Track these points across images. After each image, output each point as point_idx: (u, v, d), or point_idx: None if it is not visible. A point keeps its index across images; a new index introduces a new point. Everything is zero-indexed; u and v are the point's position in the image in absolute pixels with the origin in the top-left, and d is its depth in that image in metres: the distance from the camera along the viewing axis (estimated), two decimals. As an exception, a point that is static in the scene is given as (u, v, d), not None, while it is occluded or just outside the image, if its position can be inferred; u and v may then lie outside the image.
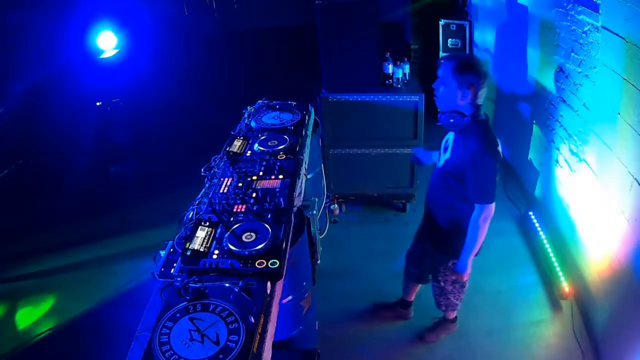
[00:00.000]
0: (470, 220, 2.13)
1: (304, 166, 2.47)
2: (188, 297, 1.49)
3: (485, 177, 2.03)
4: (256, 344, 1.39)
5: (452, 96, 2.04)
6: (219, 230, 1.83)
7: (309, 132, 2.73)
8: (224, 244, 1.74)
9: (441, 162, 2.27)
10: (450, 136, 2.21)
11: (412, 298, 2.94)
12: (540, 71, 3.60)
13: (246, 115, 2.89)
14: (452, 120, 2.05)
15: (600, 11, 2.55)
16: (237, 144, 2.45)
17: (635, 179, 2.22)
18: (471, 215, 2.15)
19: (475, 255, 2.25)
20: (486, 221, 2.12)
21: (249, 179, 2.19)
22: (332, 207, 3.93)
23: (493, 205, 2.10)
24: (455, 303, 2.59)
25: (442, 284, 2.47)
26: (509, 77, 4.32)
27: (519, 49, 4.02)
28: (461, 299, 2.60)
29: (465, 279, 2.35)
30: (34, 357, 2.84)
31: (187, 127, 5.36)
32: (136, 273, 3.04)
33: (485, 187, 2.06)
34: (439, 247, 2.40)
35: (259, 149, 2.41)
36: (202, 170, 2.26)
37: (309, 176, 2.54)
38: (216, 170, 2.18)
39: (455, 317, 2.82)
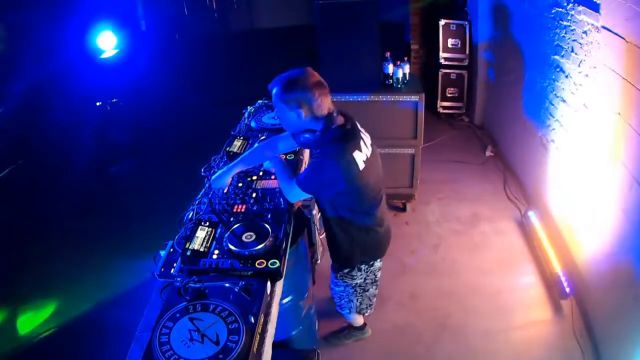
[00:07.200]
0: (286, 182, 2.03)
1: (304, 166, 2.47)
2: (188, 297, 1.49)
3: (313, 171, 1.94)
4: (256, 344, 1.39)
5: (290, 119, 1.94)
6: (219, 230, 1.83)
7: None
8: (224, 244, 1.74)
9: None
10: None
11: None
12: (540, 71, 3.60)
13: (246, 115, 2.89)
14: (303, 140, 1.97)
15: (600, 11, 2.54)
16: (237, 144, 2.46)
17: (636, 179, 2.22)
18: (340, 226, 2.12)
19: None
20: (286, 192, 2.01)
21: (249, 179, 2.20)
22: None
23: (298, 192, 1.97)
24: (357, 305, 2.50)
25: (341, 287, 2.42)
26: (509, 77, 4.32)
27: (519, 49, 4.02)
28: (369, 305, 2.53)
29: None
30: (34, 357, 2.84)
31: (187, 127, 5.35)
32: (136, 273, 3.04)
33: (305, 176, 1.95)
34: (331, 256, 2.37)
35: (259, 148, 2.41)
36: (202, 170, 2.26)
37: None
38: (216, 170, 2.18)
39: (364, 324, 2.78)
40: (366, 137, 2.07)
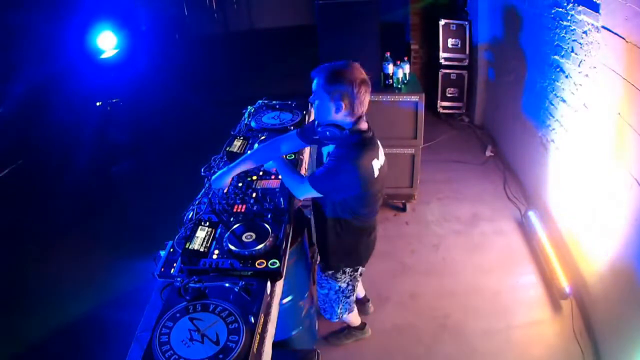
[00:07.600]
0: (295, 179, 2.00)
1: (304, 166, 2.47)
2: (188, 297, 1.49)
3: (330, 172, 1.90)
4: (256, 344, 1.39)
5: (326, 109, 1.90)
6: (219, 230, 1.83)
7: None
8: (224, 244, 1.74)
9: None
10: (325, 150, 2.10)
11: (363, 294, 2.96)
12: (540, 71, 3.60)
13: (246, 115, 2.89)
14: (328, 133, 1.93)
15: (600, 11, 2.54)
16: (237, 144, 2.46)
17: (635, 179, 2.22)
18: (335, 228, 2.12)
19: None
20: (295, 191, 1.98)
21: (249, 179, 2.20)
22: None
23: (308, 193, 1.95)
24: (338, 312, 2.46)
25: (325, 290, 2.41)
26: (509, 77, 4.32)
27: (519, 49, 4.02)
28: (348, 310, 2.50)
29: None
30: (34, 357, 2.84)
31: (187, 127, 5.36)
32: (136, 273, 3.04)
33: (321, 175, 1.91)
34: (320, 256, 2.36)
35: (259, 149, 2.41)
36: (202, 170, 2.26)
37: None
38: (216, 170, 2.19)
39: (363, 324, 2.79)
40: (380, 145, 2.09)
